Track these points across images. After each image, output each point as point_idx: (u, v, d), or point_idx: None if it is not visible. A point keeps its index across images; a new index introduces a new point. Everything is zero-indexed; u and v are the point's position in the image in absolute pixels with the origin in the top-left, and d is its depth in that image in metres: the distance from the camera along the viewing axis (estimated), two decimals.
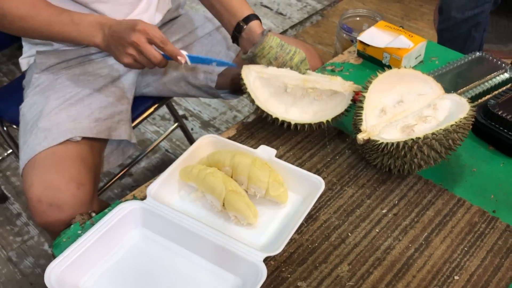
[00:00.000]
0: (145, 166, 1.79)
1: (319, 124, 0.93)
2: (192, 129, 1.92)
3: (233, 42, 1.04)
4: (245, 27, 1.00)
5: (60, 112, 0.98)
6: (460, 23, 1.64)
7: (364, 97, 0.87)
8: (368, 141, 0.83)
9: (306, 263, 0.76)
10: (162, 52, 0.91)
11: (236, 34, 1.01)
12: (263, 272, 0.70)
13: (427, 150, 0.81)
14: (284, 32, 2.44)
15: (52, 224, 0.88)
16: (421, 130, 0.85)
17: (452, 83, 1.04)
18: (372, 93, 0.88)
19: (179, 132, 1.75)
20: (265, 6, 2.64)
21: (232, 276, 0.74)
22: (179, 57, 0.90)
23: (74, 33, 0.93)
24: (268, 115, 0.94)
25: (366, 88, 0.89)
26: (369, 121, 0.86)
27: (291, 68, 0.99)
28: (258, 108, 0.95)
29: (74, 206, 0.89)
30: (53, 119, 0.96)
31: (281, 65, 0.99)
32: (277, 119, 0.93)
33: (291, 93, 0.97)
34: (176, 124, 1.67)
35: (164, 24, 1.20)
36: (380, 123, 0.87)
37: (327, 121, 0.93)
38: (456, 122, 0.81)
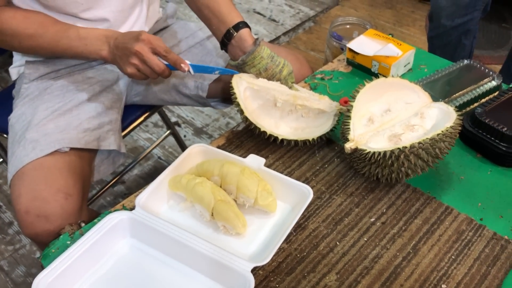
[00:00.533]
0: (137, 174, 1.78)
1: (305, 142, 0.95)
2: (185, 136, 1.92)
3: (222, 48, 1.04)
4: (235, 34, 1.00)
5: (48, 122, 0.98)
6: (450, 31, 1.65)
7: (351, 106, 0.88)
8: (356, 150, 0.84)
9: (294, 273, 0.77)
10: (165, 62, 0.93)
11: (226, 41, 1.02)
12: (251, 282, 0.70)
13: (414, 159, 0.81)
14: (277, 39, 2.45)
15: (40, 235, 0.88)
16: (408, 139, 0.85)
17: (440, 91, 1.05)
18: (360, 102, 0.88)
19: (171, 139, 1.75)
20: (258, 13, 2.65)
21: (220, 286, 0.75)
22: (182, 65, 0.91)
23: (81, 48, 0.96)
24: (256, 127, 0.95)
25: (353, 97, 0.89)
26: (357, 130, 0.87)
27: (280, 80, 1.00)
28: (246, 119, 0.95)
29: (62, 217, 0.88)
30: (41, 130, 0.96)
31: (270, 76, 0.99)
32: (264, 132, 0.94)
33: (280, 107, 0.97)
34: (168, 132, 1.67)
35: (155, 33, 1.20)
36: (368, 132, 0.87)
37: (313, 139, 0.94)
38: (442, 131, 0.82)
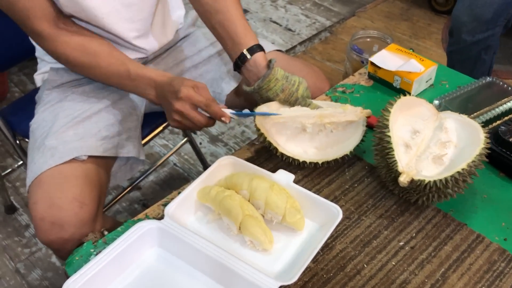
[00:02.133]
0: (153, 180, 1.79)
1: (343, 157, 0.94)
2: (200, 143, 1.92)
3: (235, 70, 1.03)
4: (249, 58, 0.98)
5: (68, 130, 0.98)
6: (470, 46, 1.63)
7: (389, 136, 0.86)
8: (412, 182, 0.82)
9: None
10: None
11: (240, 63, 1.00)
12: None
13: (468, 179, 0.82)
14: (292, 48, 2.45)
15: (55, 243, 0.89)
16: (452, 159, 0.85)
17: (462, 107, 1.04)
18: (393, 131, 0.87)
19: (187, 146, 1.76)
20: (274, 22, 2.65)
21: None
22: (223, 119, 0.93)
23: (130, 87, 1.00)
24: (293, 159, 0.94)
25: (385, 126, 0.88)
26: (402, 160, 0.85)
27: (297, 99, 0.98)
28: (282, 155, 0.95)
29: (76, 225, 0.89)
30: (60, 137, 0.97)
31: (288, 96, 0.98)
32: (304, 162, 0.93)
33: (310, 131, 0.96)
34: (185, 139, 1.67)
35: (177, 41, 1.21)
36: (411, 159, 0.86)
37: (350, 152, 0.93)
38: (481, 149, 0.82)
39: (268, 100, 0.98)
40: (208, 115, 0.93)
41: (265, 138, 0.95)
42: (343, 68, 2.27)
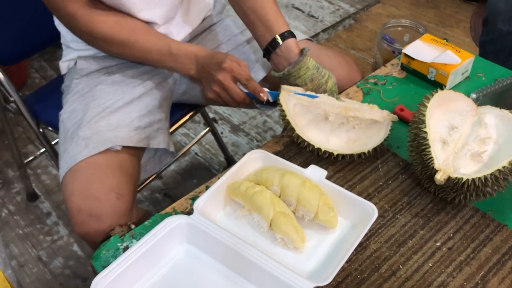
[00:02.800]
0: (174, 169, 1.78)
1: (360, 154, 0.91)
2: (222, 133, 1.90)
3: (264, 56, 1.01)
4: (281, 43, 0.97)
5: (101, 120, 0.97)
6: (505, 36, 1.57)
7: (426, 133, 0.83)
8: (449, 179, 0.79)
9: None
10: (245, 90, 0.95)
11: (270, 49, 0.99)
12: None
13: (509, 177, 0.78)
14: (315, 36, 2.40)
15: (91, 235, 0.88)
16: (492, 156, 0.81)
17: (501, 101, 1.00)
18: (430, 127, 0.84)
19: (209, 135, 1.74)
20: (297, 8, 2.60)
21: None
22: (261, 94, 0.93)
23: (171, 63, 0.98)
24: (309, 144, 0.91)
25: (422, 122, 0.84)
26: (439, 157, 0.82)
27: (326, 92, 0.97)
28: (298, 137, 0.92)
29: (113, 216, 0.88)
30: (94, 127, 0.95)
31: (316, 87, 0.96)
32: (319, 149, 0.91)
33: (331, 121, 0.94)
34: (207, 129, 1.65)
35: (205, 30, 1.18)
36: (448, 156, 0.83)
37: (368, 151, 0.90)
38: None
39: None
40: (246, 91, 0.94)
41: (285, 116, 0.92)
42: (368, 56, 2.22)
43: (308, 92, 0.95)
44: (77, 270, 1.49)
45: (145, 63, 1.02)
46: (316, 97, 0.94)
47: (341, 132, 0.95)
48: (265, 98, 0.94)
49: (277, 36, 0.97)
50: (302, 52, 0.97)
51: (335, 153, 0.91)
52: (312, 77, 0.96)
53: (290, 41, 0.97)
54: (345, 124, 0.95)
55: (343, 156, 0.92)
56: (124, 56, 1.01)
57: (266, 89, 0.94)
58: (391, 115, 0.93)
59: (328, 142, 0.94)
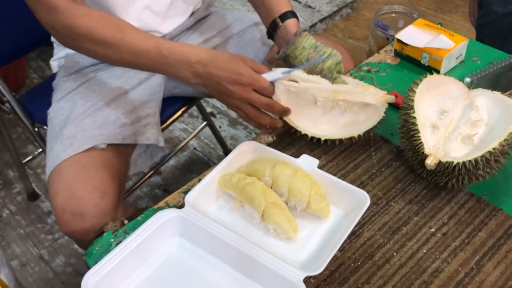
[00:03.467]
0: (173, 165, 1.78)
1: (350, 138, 0.90)
2: (220, 127, 1.89)
3: (269, 38, 1.01)
4: (280, 24, 0.96)
5: (86, 118, 0.96)
6: (501, 18, 1.54)
7: (415, 118, 0.82)
8: (439, 164, 0.78)
9: (347, 283, 0.73)
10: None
11: (271, 31, 0.98)
12: None
13: (501, 159, 0.77)
14: (313, 26, 2.38)
15: (76, 233, 0.88)
16: (483, 138, 0.80)
17: (495, 84, 0.99)
18: (420, 112, 0.83)
19: (207, 130, 1.73)
20: None
21: None
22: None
23: (164, 66, 0.85)
24: (296, 130, 0.90)
25: (410, 107, 0.83)
26: (429, 142, 0.81)
27: (322, 71, 0.94)
28: (285, 123, 0.91)
29: (97, 215, 0.88)
30: (79, 125, 0.95)
31: (313, 66, 0.94)
32: (306, 134, 0.90)
33: (321, 105, 0.92)
34: (205, 123, 1.65)
35: (194, 23, 1.17)
36: (439, 141, 0.82)
37: (359, 135, 0.89)
38: None
39: None
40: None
41: None
42: (366, 45, 2.20)
43: (281, 69, 0.87)
44: (79, 268, 1.49)
45: (134, 68, 0.91)
46: (288, 72, 0.87)
47: (333, 115, 0.92)
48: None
49: (277, 18, 0.96)
50: (297, 32, 0.95)
51: (323, 138, 0.90)
52: (308, 56, 0.94)
53: (289, 21, 0.96)
54: (336, 107, 0.92)
55: (333, 141, 0.90)
56: (110, 60, 0.90)
57: (279, 70, 0.86)
58: (386, 96, 0.89)
59: (317, 127, 0.92)
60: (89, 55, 0.92)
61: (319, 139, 0.90)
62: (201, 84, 0.86)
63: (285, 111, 0.88)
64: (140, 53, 0.85)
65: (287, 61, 0.96)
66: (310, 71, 0.94)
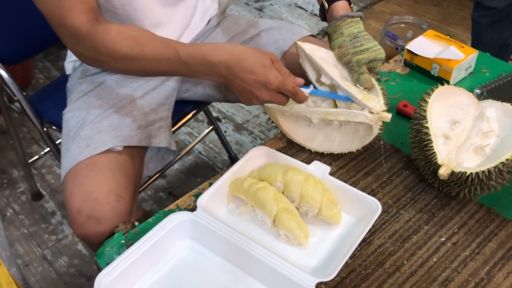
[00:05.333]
0: (178, 168, 1.78)
1: (350, 152, 0.91)
2: (225, 131, 1.90)
3: (323, 20, 1.00)
4: (327, 7, 0.95)
5: (103, 120, 0.96)
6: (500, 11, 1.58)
7: (427, 128, 0.82)
8: (452, 174, 0.79)
9: None
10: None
11: (322, 14, 0.98)
12: None
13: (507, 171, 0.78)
14: (319, 34, 2.39)
15: (91, 236, 0.87)
16: (495, 149, 0.81)
17: (505, 96, 0.99)
18: (432, 122, 0.83)
19: (212, 134, 1.74)
20: (300, 7, 2.59)
21: None
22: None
23: (185, 71, 0.84)
24: (297, 144, 0.94)
25: (423, 117, 0.84)
26: (442, 152, 0.81)
27: (350, 62, 0.90)
28: (290, 140, 0.95)
29: (113, 218, 0.87)
30: (96, 127, 0.95)
31: (341, 55, 0.92)
32: (305, 148, 0.93)
33: (317, 124, 0.93)
34: (210, 128, 1.65)
35: (208, 29, 1.18)
36: (451, 151, 0.82)
37: (357, 150, 0.90)
38: None
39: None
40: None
41: (275, 124, 0.94)
42: None
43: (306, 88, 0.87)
44: (82, 269, 1.49)
45: (159, 75, 0.91)
46: (308, 87, 0.87)
47: (330, 130, 0.92)
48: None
49: (324, 1, 0.96)
50: (341, 15, 0.92)
51: (320, 151, 0.92)
52: (342, 44, 0.91)
53: (339, 3, 0.94)
54: (330, 124, 0.92)
55: (329, 154, 0.92)
56: (134, 72, 0.90)
57: (308, 90, 0.86)
58: (382, 115, 0.85)
59: (314, 140, 0.93)
60: (115, 72, 0.92)
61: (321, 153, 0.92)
62: (225, 82, 0.85)
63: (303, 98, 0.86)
64: (161, 62, 0.83)
65: (330, 41, 0.95)
66: (339, 59, 0.92)
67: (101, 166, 0.90)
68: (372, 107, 0.86)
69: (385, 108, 0.86)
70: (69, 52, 1.13)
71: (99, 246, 0.81)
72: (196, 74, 0.84)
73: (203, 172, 1.75)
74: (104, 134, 0.93)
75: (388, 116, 0.85)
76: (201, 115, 1.97)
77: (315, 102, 0.94)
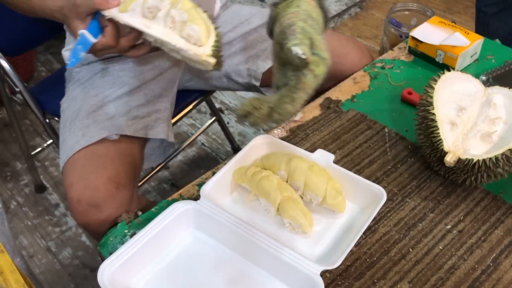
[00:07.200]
0: (181, 160, 1.77)
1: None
2: (228, 123, 1.89)
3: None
4: None
5: (98, 109, 0.96)
6: None
7: (434, 114, 0.81)
8: (459, 161, 0.78)
9: (363, 278, 0.73)
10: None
11: None
12: (320, 286, 0.67)
13: None
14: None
15: (91, 224, 0.88)
16: (501, 136, 0.80)
17: (511, 83, 0.98)
18: (438, 109, 0.82)
19: (215, 125, 1.73)
20: None
21: (286, 287, 0.71)
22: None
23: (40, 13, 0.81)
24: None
25: (429, 104, 0.83)
26: (448, 139, 0.80)
27: (291, 26, 0.69)
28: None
29: (113, 206, 0.87)
30: (91, 116, 0.95)
31: (286, 19, 0.72)
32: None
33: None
34: (213, 119, 1.64)
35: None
36: (457, 138, 0.81)
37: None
38: None
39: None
40: None
41: None
42: (375, 44, 2.20)
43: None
44: (86, 260, 1.49)
45: (28, 11, 0.85)
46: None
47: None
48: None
49: None
50: None
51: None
52: (294, 11, 0.73)
53: None
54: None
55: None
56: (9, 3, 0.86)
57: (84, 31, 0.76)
58: (206, 59, 0.74)
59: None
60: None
61: None
62: (62, 16, 0.79)
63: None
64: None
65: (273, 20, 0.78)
66: (277, 20, 0.75)
67: (99, 154, 0.90)
68: (198, 53, 0.75)
69: (210, 53, 0.75)
70: (66, 40, 1.12)
71: (98, 234, 0.81)
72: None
73: (206, 164, 1.75)
74: (100, 123, 0.93)
75: (211, 60, 0.75)
76: (204, 107, 1.96)
77: (152, 13, 0.77)
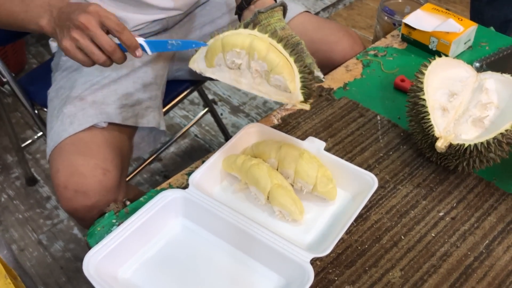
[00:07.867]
0: (174, 151, 1.76)
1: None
2: (221, 114, 1.87)
3: (236, 13, 0.92)
4: None
5: (86, 97, 0.94)
6: None
7: (424, 100, 0.80)
8: (450, 146, 0.77)
9: (354, 266, 0.72)
10: (118, 42, 0.76)
11: (245, 4, 0.89)
12: (310, 274, 0.66)
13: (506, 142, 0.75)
14: (316, 14, 2.35)
15: (79, 211, 0.86)
16: (494, 120, 0.79)
17: (504, 70, 0.96)
18: (429, 95, 0.81)
19: (208, 117, 1.72)
20: None
21: (275, 275, 0.70)
22: (137, 52, 0.75)
23: (22, 15, 0.81)
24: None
25: (420, 89, 0.81)
26: (439, 124, 0.79)
27: (299, 44, 0.80)
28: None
29: (100, 192, 0.86)
30: (79, 104, 0.93)
31: (288, 36, 0.82)
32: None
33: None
34: (206, 109, 1.63)
35: (198, 7, 1.15)
36: (449, 123, 0.80)
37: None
38: None
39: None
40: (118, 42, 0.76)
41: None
42: (369, 34, 2.18)
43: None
44: (78, 253, 1.48)
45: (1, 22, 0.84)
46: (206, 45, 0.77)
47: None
48: (139, 55, 0.75)
49: None
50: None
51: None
52: (285, 26, 0.83)
53: None
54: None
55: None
56: None
57: (141, 39, 0.76)
58: (300, 106, 0.74)
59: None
60: None
61: None
62: (51, 31, 0.80)
63: (122, 59, 0.77)
64: (4, 4, 0.82)
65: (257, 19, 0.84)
66: (283, 39, 0.76)
67: (86, 141, 0.89)
68: (291, 102, 0.74)
69: (301, 99, 0.74)
70: None
71: (87, 221, 0.80)
72: (30, 16, 0.81)
73: (199, 155, 1.73)
74: (88, 111, 0.92)
75: (306, 107, 0.75)
76: (197, 98, 1.94)
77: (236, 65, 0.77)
